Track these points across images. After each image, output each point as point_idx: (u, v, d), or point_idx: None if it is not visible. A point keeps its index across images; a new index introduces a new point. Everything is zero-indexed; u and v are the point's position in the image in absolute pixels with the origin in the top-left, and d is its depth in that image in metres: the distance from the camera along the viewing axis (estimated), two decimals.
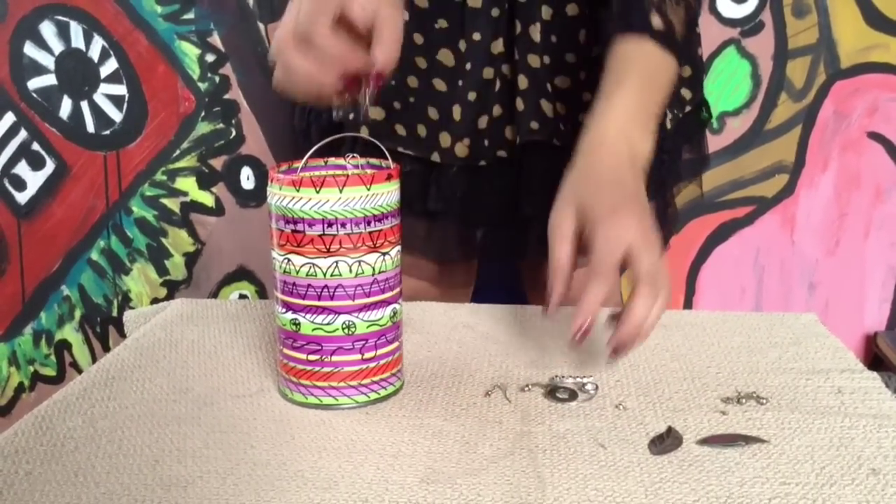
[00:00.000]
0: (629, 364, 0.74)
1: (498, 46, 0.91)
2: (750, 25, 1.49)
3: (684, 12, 0.81)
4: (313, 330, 0.65)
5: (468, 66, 0.91)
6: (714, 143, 1.53)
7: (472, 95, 0.92)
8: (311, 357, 0.65)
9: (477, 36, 0.90)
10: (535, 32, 0.89)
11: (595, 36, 0.90)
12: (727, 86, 1.51)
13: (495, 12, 0.89)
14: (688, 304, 1.58)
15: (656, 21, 0.79)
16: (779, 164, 1.53)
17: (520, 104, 0.90)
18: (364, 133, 0.92)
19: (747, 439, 0.61)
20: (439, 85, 0.92)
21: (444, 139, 0.93)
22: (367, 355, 0.66)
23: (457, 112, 0.92)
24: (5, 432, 0.63)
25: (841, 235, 1.55)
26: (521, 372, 0.73)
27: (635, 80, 0.78)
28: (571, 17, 0.90)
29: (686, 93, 0.96)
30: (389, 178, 0.65)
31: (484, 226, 1.01)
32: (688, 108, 0.97)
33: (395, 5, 0.69)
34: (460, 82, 0.91)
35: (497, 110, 0.92)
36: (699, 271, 1.57)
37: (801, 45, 1.49)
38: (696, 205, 1.54)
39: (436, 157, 0.93)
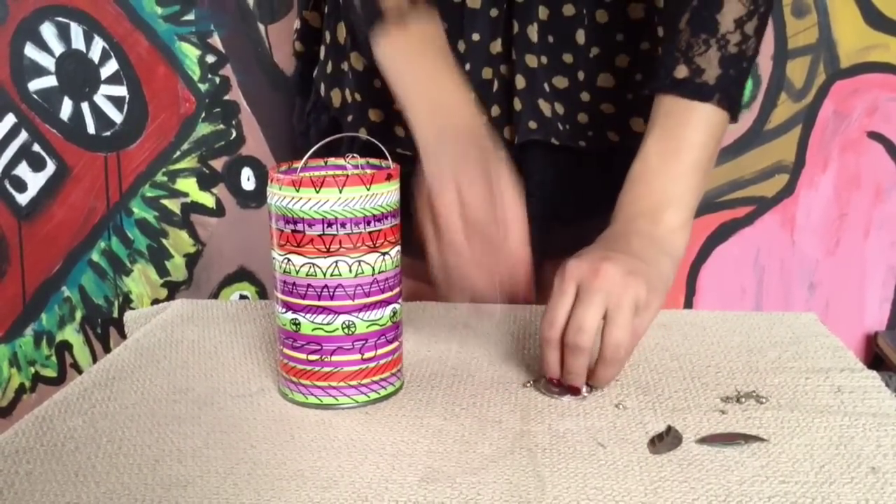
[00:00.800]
0: (629, 363, 0.74)
1: (496, 47, 0.91)
2: None
3: (719, 52, 0.77)
4: (313, 330, 0.65)
5: (467, 66, 0.91)
6: None
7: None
8: (311, 357, 0.66)
9: (476, 36, 0.90)
10: (533, 32, 0.89)
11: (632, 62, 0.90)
12: None
13: (494, 13, 0.90)
14: (688, 304, 1.58)
15: (681, 71, 0.77)
16: (779, 164, 1.53)
17: (517, 104, 0.91)
18: (363, 134, 0.92)
19: (747, 438, 0.61)
20: None
21: None
22: (367, 355, 0.66)
23: None
24: (6, 432, 0.63)
25: (841, 235, 1.55)
26: (521, 372, 0.73)
27: (652, 144, 0.77)
28: (568, 18, 0.90)
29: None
30: (389, 178, 0.65)
31: None
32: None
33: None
34: None
35: (496, 110, 0.92)
36: (699, 271, 1.57)
37: (801, 44, 1.49)
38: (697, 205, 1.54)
39: None
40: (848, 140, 1.52)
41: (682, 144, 0.77)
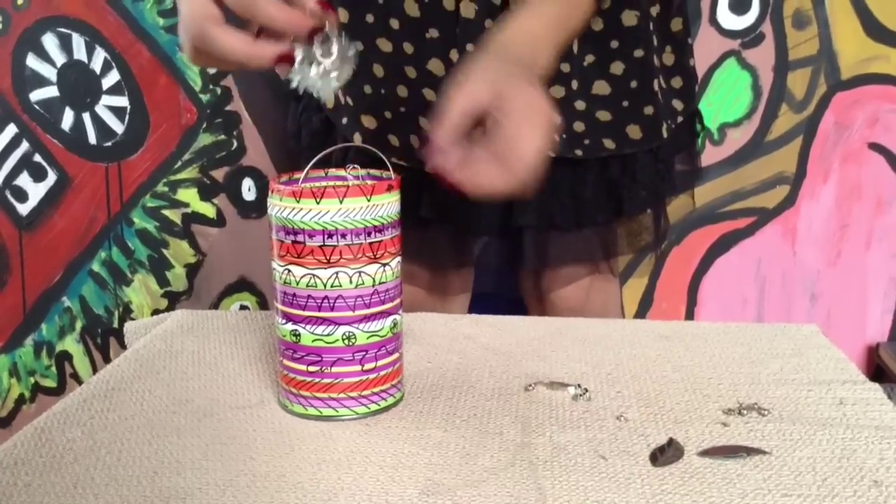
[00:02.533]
0: (630, 375, 0.74)
1: None
2: (750, 37, 1.49)
3: None
4: (313, 341, 0.65)
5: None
6: (715, 154, 1.53)
7: None
8: (311, 368, 0.65)
9: (470, 46, 0.90)
10: None
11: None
12: (728, 97, 1.51)
13: (488, 23, 0.90)
14: (689, 316, 1.58)
15: None
16: (780, 176, 1.53)
17: None
18: (358, 140, 0.92)
19: (749, 451, 0.60)
20: (430, 95, 0.92)
21: None
22: (368, 366, 0.66)
23: None
24: (5, 444, 0.62)
25: (842, 246, 1.55)
26: (522, 383, 0.73)
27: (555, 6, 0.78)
28: None
29: (677, 104, 0.96)
30: (390, 188, 0.65)
31: (477, 234, 1.01)
32: (680, 119, 0.97)
33: None
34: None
35: None
36: (701, 282, 1.57)
37: (802, 56, 1.49)
38: (698, 216, 1.55)
39: None
40: (849, 151, 1.52)
41: (576, 9, 0.79)
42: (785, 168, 1.53)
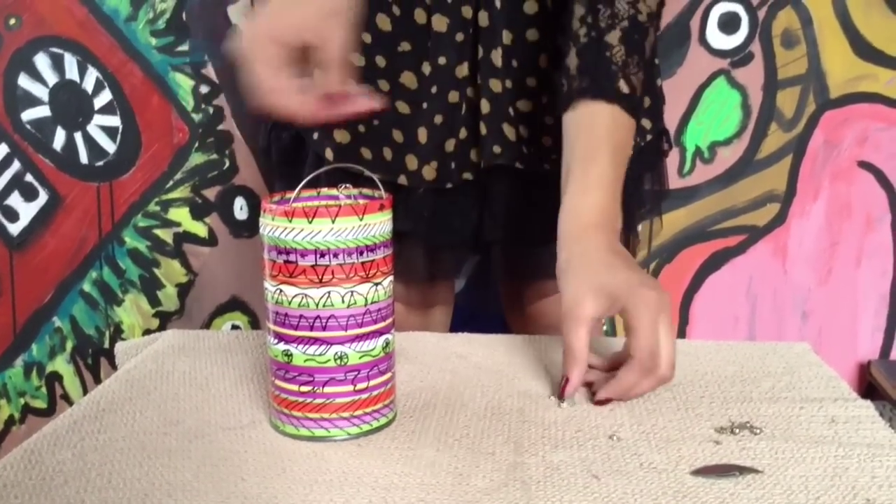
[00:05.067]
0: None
1: (463, 70, 0.91)
2: (739, 56, 1.50)
3: (644, 76, 0.82)
4: (305, 361, 0.65)
5: (434, 89, 0.91)
6: (705, 172, 1.53)
7: (438, 118, 0.92)
8: (303, 388, 0.65)
9: (442, 60, 0.91)
10: (497, 57, 0.90)
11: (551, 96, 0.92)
12: (718, 116, 1.52)
13: (460, 37, 0.90)
14: (681, 333, 1.58)
15: (624, 87, 0.80)
16: (770, 194, 1.54)
17: (483, 129, 0.91)
18: (329, 155, 0.93)
19: (742, 469, 0.60)
20: (402, 108, 0.92)
21: (411, 162, 0.93)
22: (360, 386, 0.65)
23: (423, 135, 0.92)
24: None
25: (833, 264, 1.55)
26: (515, 402, 0.73)
27: (608, 152, 0.80)
28: (532, 42, 0.91)
29: (646, 122, 0.97)
30: (382, 208, 0.65)
31: (451, 247, 1.01)
32: (649, 137, 0.97)
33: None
34: (424, 105, 0.92)
35: (463, 133, 0.93)
36: (692, 300, 1.57)
37: (791, 75, 1.50)
38: (689, 234, 1.55)
39: (402, 179, 0.93)
40: (838, 169, 1.52)
41: (627, 156, 0.81)
42: (775, 186, 1.53)
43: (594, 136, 0.80)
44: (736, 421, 0.68)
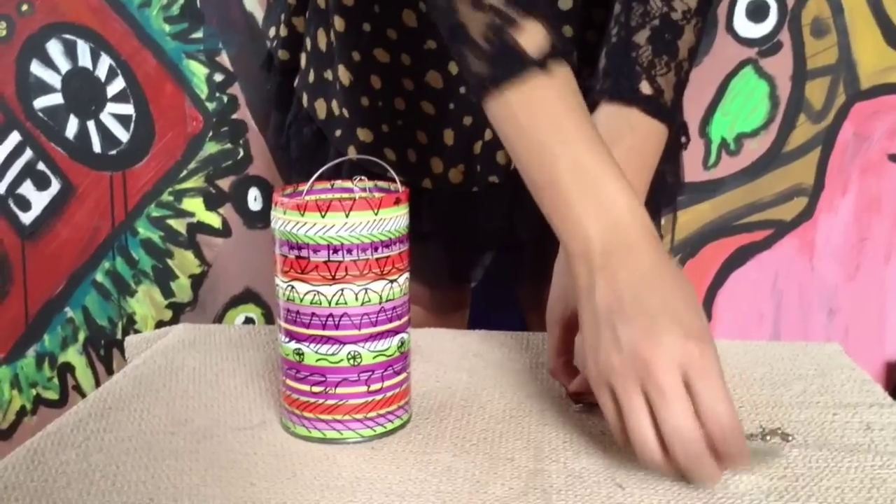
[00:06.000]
0: None
1: None
2: (768, 45, 1.46)
3: (675, 77, 0.77)
4: (317, 360, 0.62)
5: (462, 89, 0.88)
6: (731, 165, 1.50)
7: (467, 120, 0.89)
8: (315, 389, 0.63)
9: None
10: None
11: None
12: (744, 107, 1.48)
13: None
14: None
15: (646, 88, 0.76)
16: (797, 187, 1.51)
17: None
18: (353, 153, 0.90)
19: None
20: (427, 108, 0.90)
21: (437, 165, 0.91)
22: (374, 387, 0.63)
23: (449, 137, 0.90)
24: None
25: (861, 260, 1.52)
26: (535, 404, 0.70)
27: (619, 157, 0.74)
28: (567, 39, 0.88)
29: None
30: (398, 202, 0.62)
31: (478, 249, 0.99)
32: None
33: None
34: (451, 105, 0.89)
35: (489, 135, 0.90)
36: (716, 296, 1.54)
37: (820, 65, 1.46)
38: (713, 228, 1.52)
39: (427, 183, 0.91)
40: (868, 163, 1.49)
41: (646, 163, 0.76)
42: (802, 180, 1.50)
43: (606, 140, 0.77)
44: (767, 427, 0.65)
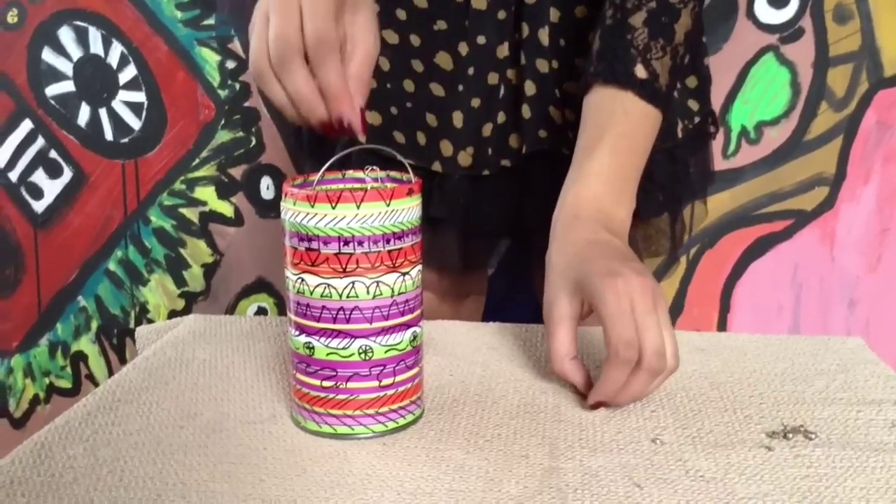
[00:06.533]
0: (665, 392, 0.69)
1: (504, 50, 0.87)
2: (789, 32, 1.44)
3: (671, 61, 0.77)
4: (328, 354, 0.61)
5: (471, 70, 0.87)
6: (751, 153, 1.48)
7: (475, 102, 0.88)
8: (326, 383, 0.61)
9: (482, 39, 0.86)
10: (544, 36, 0.85)
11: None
12: (765, 94, 1.46)
13: (502, 14, 0.86)
14: (722, 322, 1.53)
15: (641, 72, 0.75)
16: (819, 177, 1.48)
17: (526, 111, 0.87)
18: (362, 138, 0.88)
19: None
20: (437, 90, 0.88)
21: (446, 147, 0.89)
22: (385, 382, 0.62)
23: (458, 119, 0.88)
24: (3, 460, 0.59)
25: (883, 251, 1.49)
26: (550, 398, 0.69)
27: (610, 141, 0.75)
28: (580, 19, 0.86)
29: (693, 104, 0.92)
30: (410, 192, 0.61)
31: (487, 236, 0.97)
32: (697, 120, 0.93)
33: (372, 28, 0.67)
34: (460, 87, 0.87)
35: (501, 117, 0.88)
36: (734, 287, 1.52)
37: (843, 52, 1.43)
38: (732, 218, 1.50)
39: (437, 166, 0.89)
40: (891, 151, 1.46)
41: (639, 148, 0.76)
42: (824, 169, 1.48)
43: (598, 124, 0.76)
44: (789, 424, 0.64)
